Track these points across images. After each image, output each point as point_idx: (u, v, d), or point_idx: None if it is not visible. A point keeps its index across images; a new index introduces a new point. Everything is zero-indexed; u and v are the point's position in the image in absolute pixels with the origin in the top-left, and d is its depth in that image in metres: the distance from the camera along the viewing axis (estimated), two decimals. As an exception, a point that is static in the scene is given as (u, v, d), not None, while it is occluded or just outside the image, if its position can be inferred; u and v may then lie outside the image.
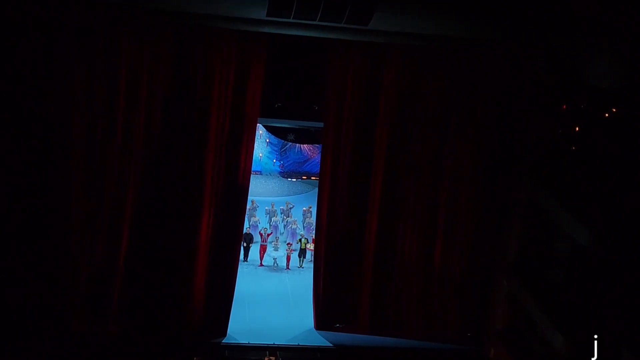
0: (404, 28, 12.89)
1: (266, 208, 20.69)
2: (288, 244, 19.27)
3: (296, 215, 20.39)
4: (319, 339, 14.63)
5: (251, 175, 14.69)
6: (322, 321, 14.87)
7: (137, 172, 13.63)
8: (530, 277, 13.55)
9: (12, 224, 13.36)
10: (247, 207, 15.49)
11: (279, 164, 24.18)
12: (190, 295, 14.20)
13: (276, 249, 19.79)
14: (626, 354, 10.89)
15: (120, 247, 13.79)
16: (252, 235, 18.61)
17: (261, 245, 18.89)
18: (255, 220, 19.50)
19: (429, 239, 14.57)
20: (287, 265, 18.81)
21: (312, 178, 22.85)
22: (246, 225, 17.08)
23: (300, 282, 17.29)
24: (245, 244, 18.02)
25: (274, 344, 14.13)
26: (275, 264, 18.98)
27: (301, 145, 22.72)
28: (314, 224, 16.72)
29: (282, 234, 20.80)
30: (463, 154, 14.21)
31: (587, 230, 11.93)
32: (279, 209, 21.37)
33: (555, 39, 12.73)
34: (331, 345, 14.55)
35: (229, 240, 14.35)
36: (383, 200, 14.42)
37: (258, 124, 15.31)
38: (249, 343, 14.27)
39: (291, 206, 21.22)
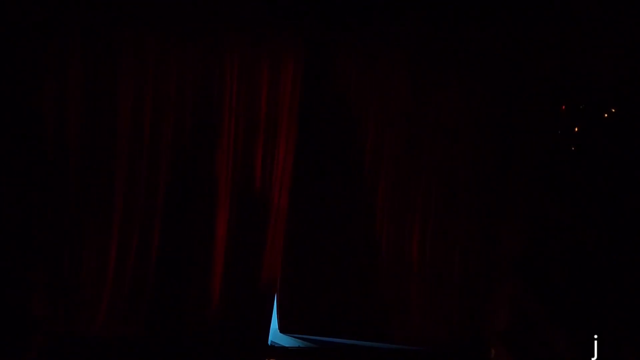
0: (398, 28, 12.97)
1: (267, 209, 20.70)
2: (289, 244, 19.28)
3: (297, 216, 20.38)
4: (320, 340, 14.60)
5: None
6: (283, 325, 14.58)
7: (167, 173, 13.29)
8: (530, 277, 13.55)
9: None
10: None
11: (280, 165, 24.17)
12: (213, 297, 13.87)
13: (277, 250, 19.81)
14: (626, 354, 10.91)
15: (151, 246, 13.45)
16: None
17: (262, 246, 18.88)
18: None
19: (421, 239, 14.32)
20: (288, 266, 18.82)
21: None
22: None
23: (301, 282, 17.26)
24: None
25: (274, 345, 14.13)
26: (277, 265, 19.00)
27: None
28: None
29: (283, 234, 20.83)
30: (461, 153, 14.16)
31: (587, 230, 11.96)
32: (280, 210, 21.40)
33: (554, 38, 12.75)
34: (332, 345, 14.52)
35: (254, 246, 13.51)
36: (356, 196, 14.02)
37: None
38: (249, 344, 14.26)
39: (292, 207, 21.24)
